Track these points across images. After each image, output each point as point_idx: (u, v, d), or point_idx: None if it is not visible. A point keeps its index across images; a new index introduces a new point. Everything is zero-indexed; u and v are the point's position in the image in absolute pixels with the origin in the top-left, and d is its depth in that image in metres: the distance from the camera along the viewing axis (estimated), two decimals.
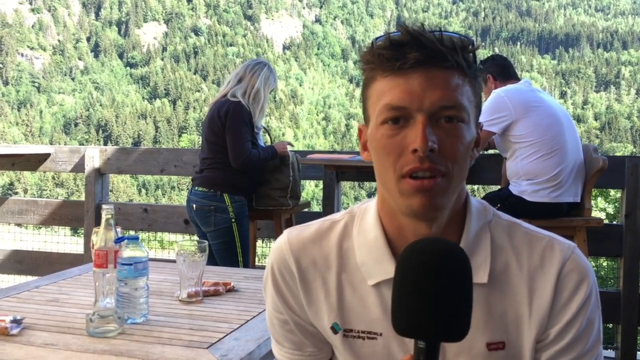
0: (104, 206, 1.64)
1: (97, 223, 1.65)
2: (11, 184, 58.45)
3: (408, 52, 0.83)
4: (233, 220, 3.10)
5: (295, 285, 0.96)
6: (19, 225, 5.06)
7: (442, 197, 0.84)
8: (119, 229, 1.70)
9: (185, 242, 1.86)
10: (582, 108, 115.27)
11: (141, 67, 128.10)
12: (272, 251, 1.00)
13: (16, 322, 1.52)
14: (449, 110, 0.83)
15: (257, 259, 3.79)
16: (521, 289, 0.90)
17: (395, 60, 0.83)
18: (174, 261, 1.87)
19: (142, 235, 4.94)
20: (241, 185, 3.17)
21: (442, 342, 0.71)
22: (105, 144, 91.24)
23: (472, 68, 0.87)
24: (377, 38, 0.88)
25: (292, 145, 3.47)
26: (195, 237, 3.43)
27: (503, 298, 0.90)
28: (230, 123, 3.09)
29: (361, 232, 0.95)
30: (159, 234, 5.25)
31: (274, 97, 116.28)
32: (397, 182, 0.85)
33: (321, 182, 3.82)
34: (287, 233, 1.00)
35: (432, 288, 0.70)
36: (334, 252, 0.95)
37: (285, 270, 0.97)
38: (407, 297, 0.71)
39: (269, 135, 3.59)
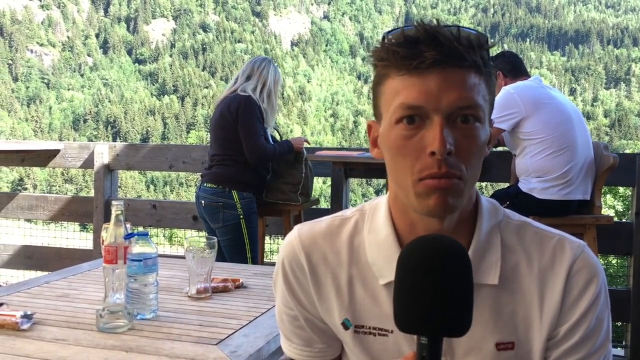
0: (113, 202, 1.65)
1: (106, 219, 1.65)
2: (21, 179, 58.81)
3: (425, 50, 0.81)
4: (241, 216, 3.11)
5: (306, 281, 0.96)
6: (29, 220, 5.09)
7: (457, 197, 0.84)
8: (128, 225, 1.70)
9: (194, 239, 1.86)
10: (592, 105, 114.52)
11: (150, 63, 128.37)
12: (282, 246, 1.00)
13: (27, 317, 1.53)
14: (466, 110, 0.82)
15: (265, 255, 3.79)
16: (531, 289, 0.89)
17: (411, 59, 0.81)
18: (183, 257, 1.88)
19: (151, 231, 4.95)
20: (250, 181, 3.17)
21: (444, 337, 0.71)
22: (114, 140, 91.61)
23: (488, 66, 0.85)
24: (388, 32, 0.86)
25: (309, 143, 3.48)
26: (204, 233, 3.44)
27: (513, 298, 0.89)
28: (243, 118, 3.10)
29: (372, 231, 0.94)
30: (169, 229, 5.27)
31: (282, 94, 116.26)
32: (414, 184, 0.84)
33: (329, 179, 3.82)
34: (297, 228, 0.99)
35: (433, 284, 0.70)
36: (345, 249, 0.95)
37: (296, 265, 0.96)
38: (407, 293, 0.71)
39: (278, 132, 3.59)
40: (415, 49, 0.82)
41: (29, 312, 1.55)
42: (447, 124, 0.82)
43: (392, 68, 0.84)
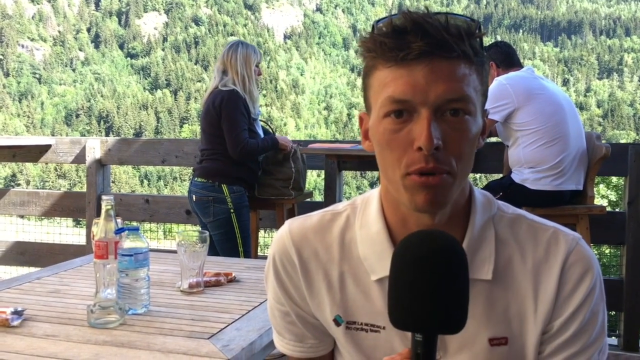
0: (103, 197, 1.64)
1: (99, 214, 1.64)
2: (13, 175, 58.54)
3: (412, 41, 0.78)
4: (232, 210, 3.09)
5: (297, 276, 0.95)
6: (21, 216, 5.07)
7: (447, 193, 0.82)
8: (119, 220, 1.69)
9: (186, 233, 1.85)
10: (585, 95, 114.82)
11: (142, 57, 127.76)
12: (273, 241, 0.99)
13: (17, 313, 1.52)
14: (455, 103, 0.80)
15: (259, 248, 3.79)
16: (525, 284, 0.88)
17: (398, 50, 0.79)
18: (175, 251, 1.87)
19: (146, 225, 4.94)
20: (240, 175, 3.16)
21: (439, 334, 0.70)
22: (107, 135, 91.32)
23: (479, 55, 0.83)
24: (378, 21, 0.84)
25: (291, 149, 3.29)
26: (197, 227, 3.43)
27: (506, 293, 0.88)
28: (226, 112, 3.07)
29: (363, 226, 0.93)
30: (163, 224, 5.25)
31: (275, 87, 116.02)
32: (402, 178, 0.82)
33: (323, 171, 3.81)
34: (288, 223, 0.98)
35: (428, 281, 0.69)
36: (336, 244, 0.94)
37: (286, 260, 0.96)
38: (402, 291, 0.70)
39: (270, 127, 3.54)
40: (402, 40, 0.79)
41: (19, 309, 1.54)
42: (435, 117, 0.80)
43: (380, 59, 0.82)
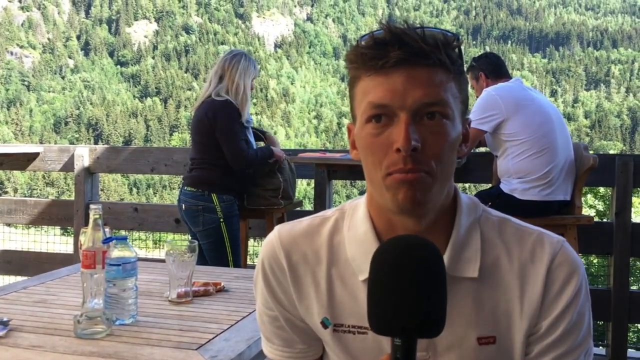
0: (91, 206, 1.63)
1: (87, 222, 1.62)
2: (1, 182, 58.05)
3: (390, 50, 0.83)
4: (221, 220, 3.08)
5: (285, 281, 0.96)
6: (8, 225, 5.02)
7: (426, 192, 0.84)
8: (107, 229, 1.68)
9: (174, 242, 1.84)
10: (573, 106, 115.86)
11: (132, 65, 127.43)
12: (263, 246, 1.00)
13: (2, 324, 1.50)
14: (432, 107, 0.84)
15: (249, 258, 3.77)
16: (512, 283, 0.90)
17: (377, 59, 0.84)
18: (164, 261, 1.86)
19: (134, 234, 4.91)
20: (229, 184, 3.14)
21: (418, 338, 0.72)
22: (96, 142, 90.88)
23: (457, 64, 0.87)
24: (362, 37, 0.88)
25: (282, 160, 3.31)
26: (186, 237, 3.40)
27: (494, 292, 0.90)
28: (222, 124, 3.06)
29: (351, 228, 0.95)
30: (152, 233, 5.22)
31: (266, 96, 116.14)
32: (383, 179, 0.85)
33: (313, 180, 3.81)
34: (278, 229, 1.00)
35: (405, 285, 0.70)
36: (325, 247, 0.95)
37: (275, 265, 0.97)
38: (380, 295, 0.72)
39: (263, 135, 3.50)
40: (382, 50, 0.84)
41: (5, 319, 1.53)
42: (413, 121, 0.83)
43: (362, 70, 0.87)
